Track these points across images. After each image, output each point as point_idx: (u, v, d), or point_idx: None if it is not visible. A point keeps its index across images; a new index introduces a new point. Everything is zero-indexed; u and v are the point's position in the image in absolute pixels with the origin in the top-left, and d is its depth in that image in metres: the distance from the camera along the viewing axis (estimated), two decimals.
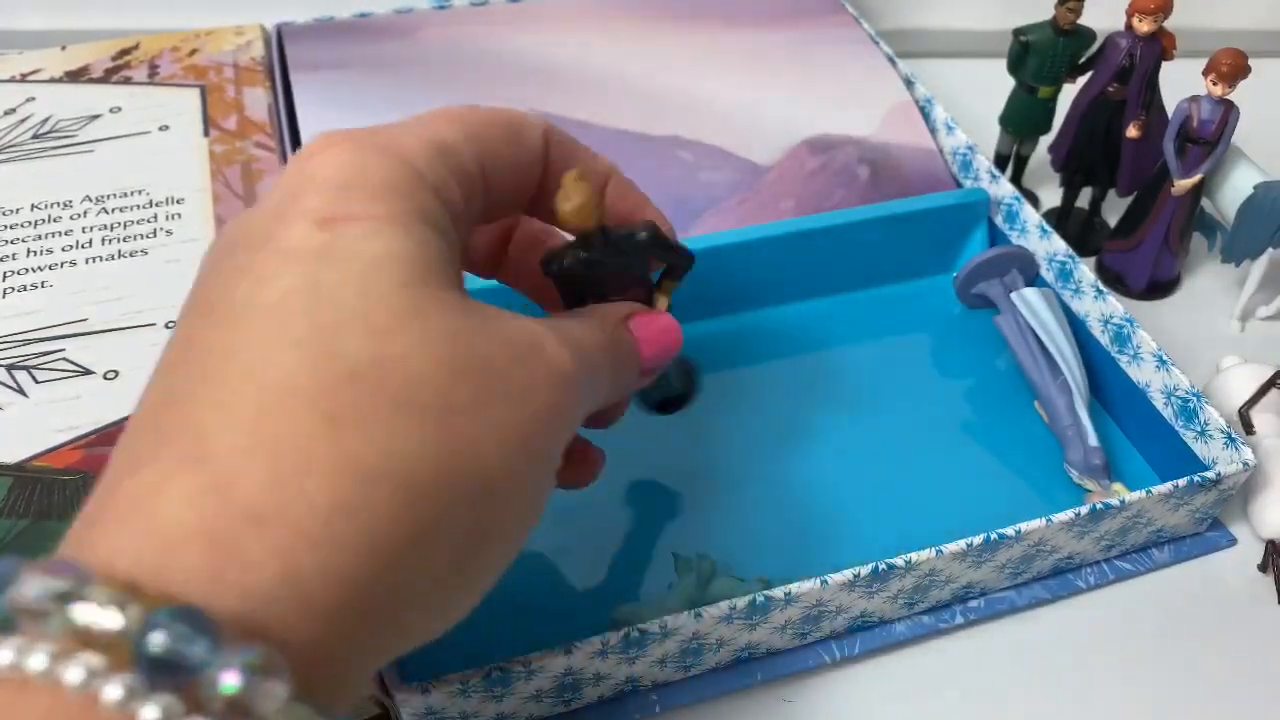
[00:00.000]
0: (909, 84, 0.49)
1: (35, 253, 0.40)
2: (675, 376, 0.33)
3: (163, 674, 0.16)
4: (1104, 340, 0.40)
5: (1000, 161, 0.50)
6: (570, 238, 0.28)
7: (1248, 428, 0.39)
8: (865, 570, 0.31)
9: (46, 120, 0.45)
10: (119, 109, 0.46)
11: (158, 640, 0.16)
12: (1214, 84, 0.41)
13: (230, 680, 0.16)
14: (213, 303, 0.21)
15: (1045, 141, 0.49)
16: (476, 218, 0.26)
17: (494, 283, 0.32)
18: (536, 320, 0.24)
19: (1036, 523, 0.32)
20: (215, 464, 0.18)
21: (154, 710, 0.16)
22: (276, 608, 0.18)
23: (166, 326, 0.37)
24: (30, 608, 0.16)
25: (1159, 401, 0.38)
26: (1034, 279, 0.43)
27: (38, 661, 0.16)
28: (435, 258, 0.22)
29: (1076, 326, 0.41)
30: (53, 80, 0.47)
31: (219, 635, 0.16)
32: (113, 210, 0.41)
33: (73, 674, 0.16)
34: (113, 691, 0.16)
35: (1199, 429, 0.37)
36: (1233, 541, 0.37)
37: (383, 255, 0.21)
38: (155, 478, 0.18)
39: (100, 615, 0.16)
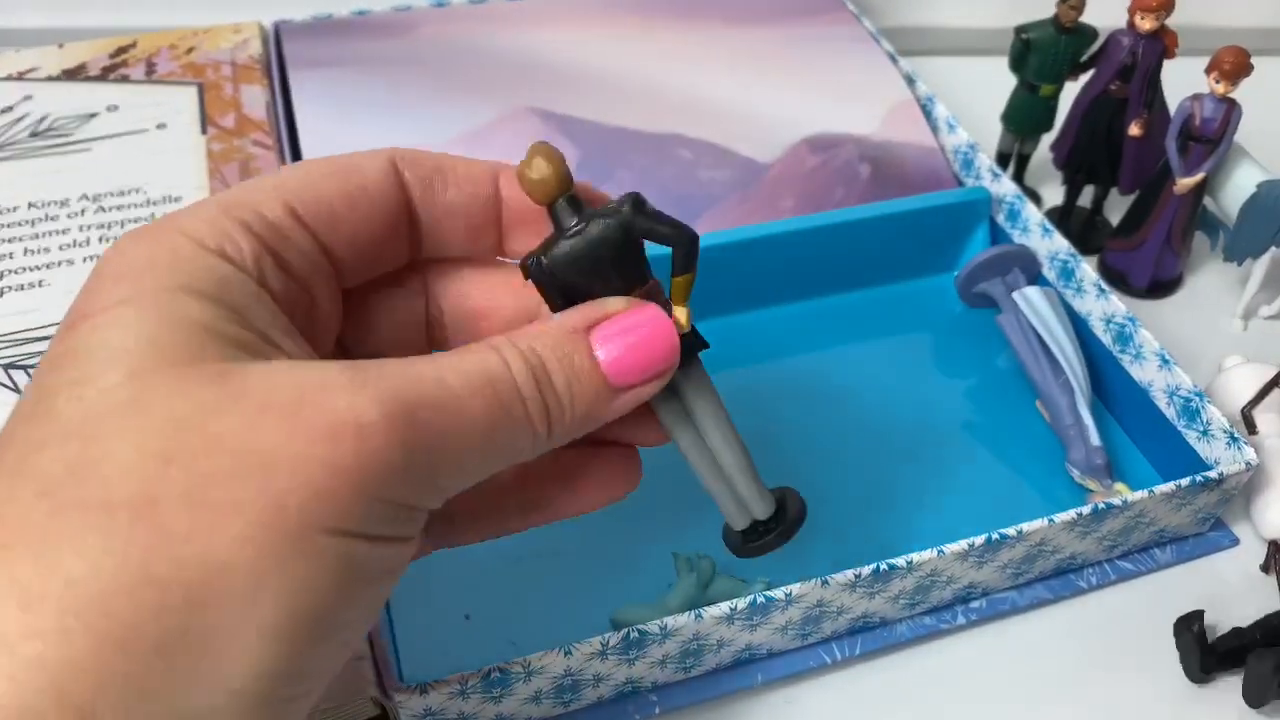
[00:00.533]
0: (910, 82, 0.49)
1: (32, 251, 0.39)
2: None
3: None
4: (1106, 339, 0.40)
5: (1002, 160, 0.50)
6: None
7: (1250, 427, 0.39)
8: (866, 571, 0.31)
9: (44, 119, 0.45)
10: (116, 107, 0.46)
11: None
12: (1216, 82, 0.41)
13: None
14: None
15: (1047, 140, 0.49)
16: (326, 267, 0.24)
17: None
18: (340, 366, 0.20)
19: (1038, 523, 0.32)
20: None
21: None
22: None
23: None
24: None
25: (1161, 401, 0.38)
26: (1036, 278, 0.43)
27: None
28: (194, 331, 0.20)
29: (1078, 325, 0.41)
30: (50, 78, 0.47)
31: None
32: (110, 209, 0.41)
33: None
34: None
35: (1201, 429, 0.36)
36: (1235, 541, 0.37)
37: (103, 350, 0.19)
38: None
39: None
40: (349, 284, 0.25)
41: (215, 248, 0.21)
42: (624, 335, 0.23)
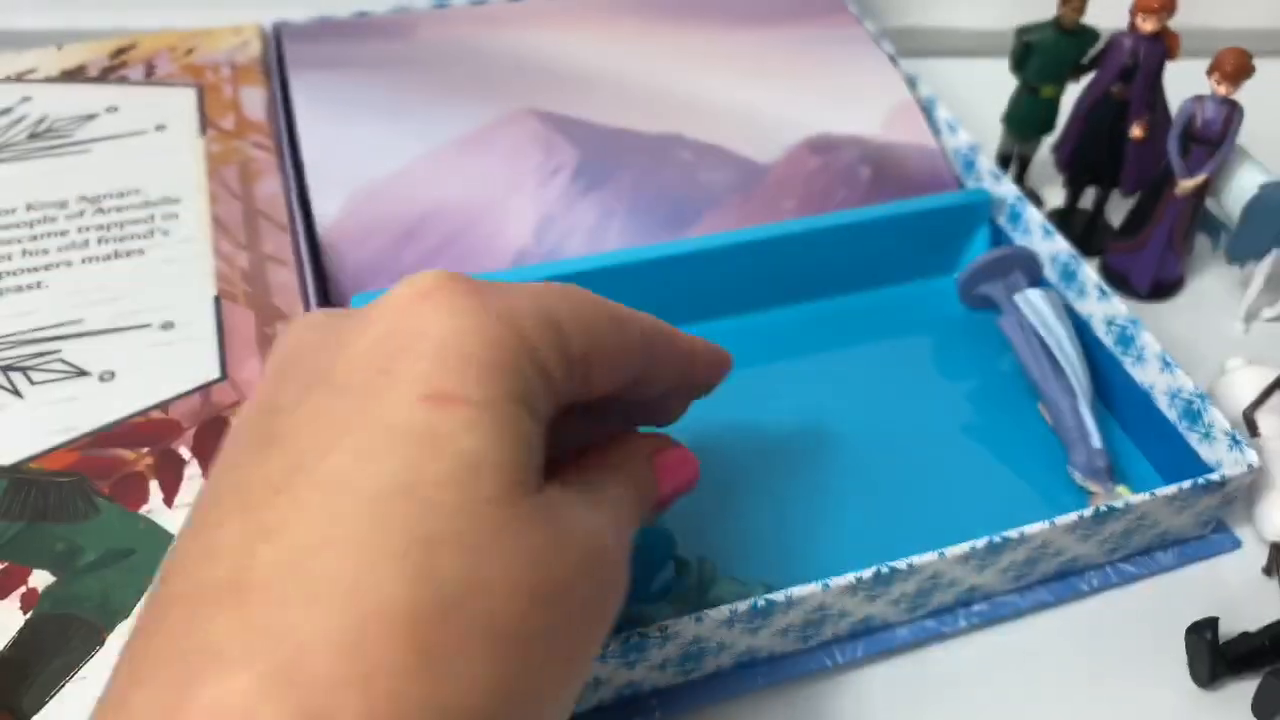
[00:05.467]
0: (911, 83, 0.49)
1: (31, 253, 0.39)
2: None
3: None
4: (1108, 341, 0.40)
5: (1003, 161, 0.50)
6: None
7: (1253, 430, 0.38)
8: (868, 574, 0.31)
9: (42, 120, 0.45)
10: (115, 108, 0.45)
11: None
12: (1218, 84, 0.40)
13: None
14: (287, 450, 0.19)
15: (1048, 141, 0.49)
16: (565, 403, 0.24)
17: None
18: (597, 508, 0.23)
19: (1040, 525, 0.32)
20: (308, 689, 0.17)
21: None
22: None
23: (162, 327, 0.37)
24: None
25: (1163, 403, 0.38)
26: (1037, 280, 0.42)
27: None
28: (525, 456, 0.21)
29: (1080, 327, 0.41)
30: (48, 80, 0.47)
31: None
32: (109, 210, 0.41)
33: None
34: None
35: (1203, 431, 0.36)
36: (1237, 544, 0.37)
37: (481, 457, 0.20)
38: (238, 685, 0.17)
39: None
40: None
41: (542, 364, 0.22)
42: (669, 461, 0.29)
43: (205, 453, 0.34)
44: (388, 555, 0.18)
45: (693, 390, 0.30)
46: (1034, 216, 0.43)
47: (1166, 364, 0.38)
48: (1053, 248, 0.42)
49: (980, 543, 0.32)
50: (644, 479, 0.27)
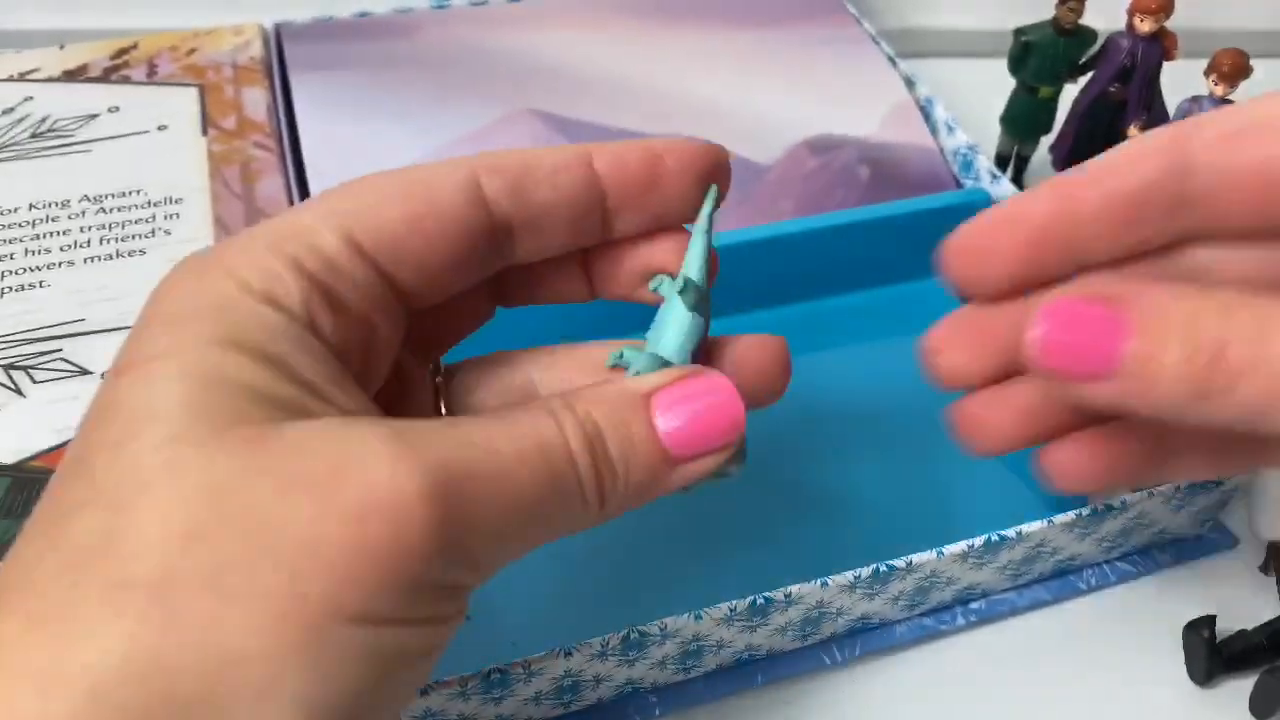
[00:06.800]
0: (910, 84, 0.49)
1: (33, 252, 0.40)
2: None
3: None
4: None
5: (1001, 162, 0.50)
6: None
7: None
8: (866, 572, 0.31)
9: (44, 120, 0.45)
10: (117, 108, 0.46)
11: None
12: (1215, 84, 0.41)
13: None
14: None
15: (1046, 142, 0.49)
16: (388, 298, 0.22)
17: None
18: (385, 430, 0.19)
19: (1038, 524, 0.32)
20: None
21: None
22: None
23: None
24: None
25: None
26: None
27: None
28: (235, 390, 0.19)
29: None
30: (51, 79, 0.47)
31: None
32: (111, 210, 0.41)
33: None
34: None
35: None
36: (1234, 543, 0.37)
37: (143, 409, 0.18)
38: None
39: None
40: (424, 305, 0.23)
41: (262, 292, 0.20)
42: (687, 403, 0.22)
43: None
44: (32, 533, 0.19)
45: (676, 203, 0.24)
46: None
47: None
48: None
49: (978, 541, 0.32)
50: (607, 420, 0.21)
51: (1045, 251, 0.24)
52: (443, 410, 0.26)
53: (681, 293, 0.24)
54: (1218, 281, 0.24)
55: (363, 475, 0.18)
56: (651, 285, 0.25)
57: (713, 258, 0.25)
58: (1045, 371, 0.21)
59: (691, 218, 0.25)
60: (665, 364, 0.24)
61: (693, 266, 0.24)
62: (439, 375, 0.26)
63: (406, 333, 0.24)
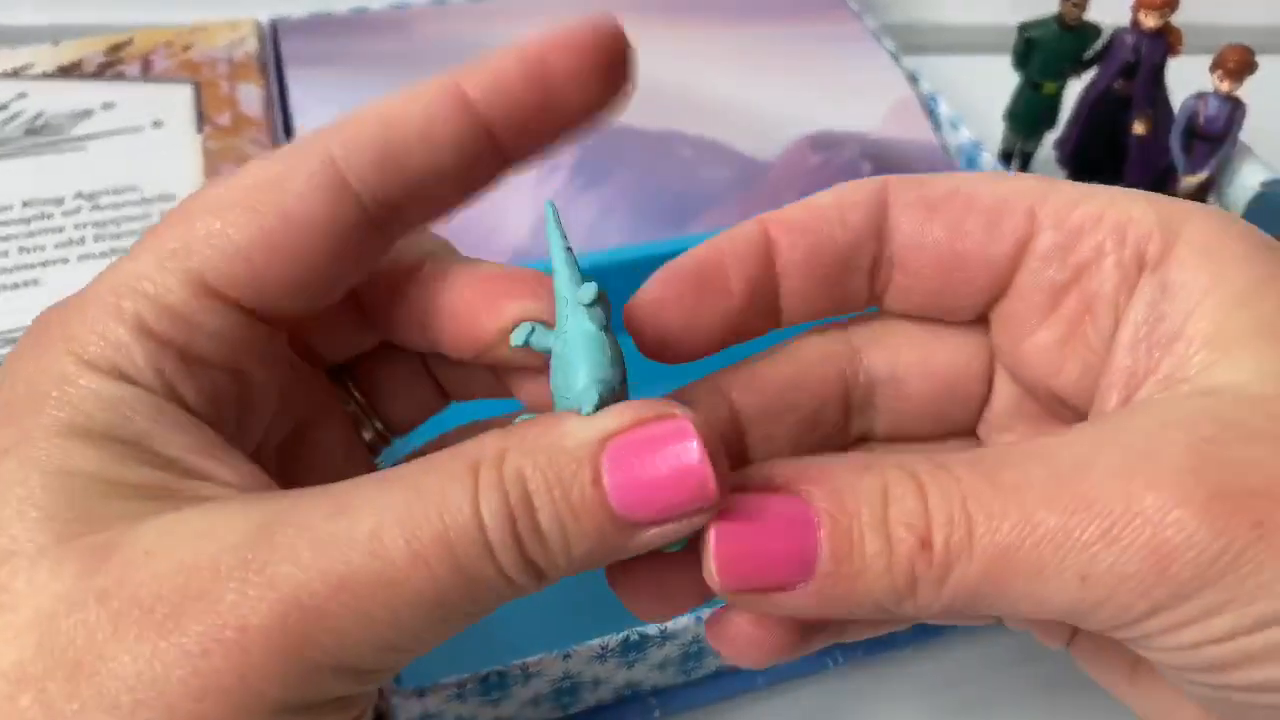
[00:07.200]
0: (912, 80, 0.49)
1: (27, 250, 0.39)
2: None
3: None
4: None
5: (1005, 158, 0.50)
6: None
7: None
8: None
9: (38, 116, 0.45)
10: (112, 105, 0.45)
11: None
12: (1220, 80, 0.40)
13: None
14: None
15: (1051, 138, 0.49)
16: (256, 334, 0.19)
17: None
18: (240, 539, 0.16)
19: None
20: None
21: None
22: None
23: None
24: None
25: None
26: None
27: None
28: (82, 487, 0.17)
29: None
30: (45, 76, 0.46)
31: None
32: (105, 207, 0.41)
33: None
34: None
35: None
36: None
37: None
38: None
39: None
40: (309, 319, 0.20)
41: (107, 366, 0.18)
42: (640, 454, 0.17)
43: None
44: None
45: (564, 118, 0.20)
46: None
47: None
48: None
49: None
50: (550, 481, 0.17)
51: (746, 315, 0.21)
52: (366, 437, 0.23)
53: (576, 317, 0.19)
54: (905, 393, 0.22)
55: (207, 604, 0.16)
56: (515, 340, 0.20)
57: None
58: (730, 593, 0.18)
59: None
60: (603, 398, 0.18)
61: (569, 285, 0.19)
62: (358, 401, 0.23)
63: (306, 353, 0.22)
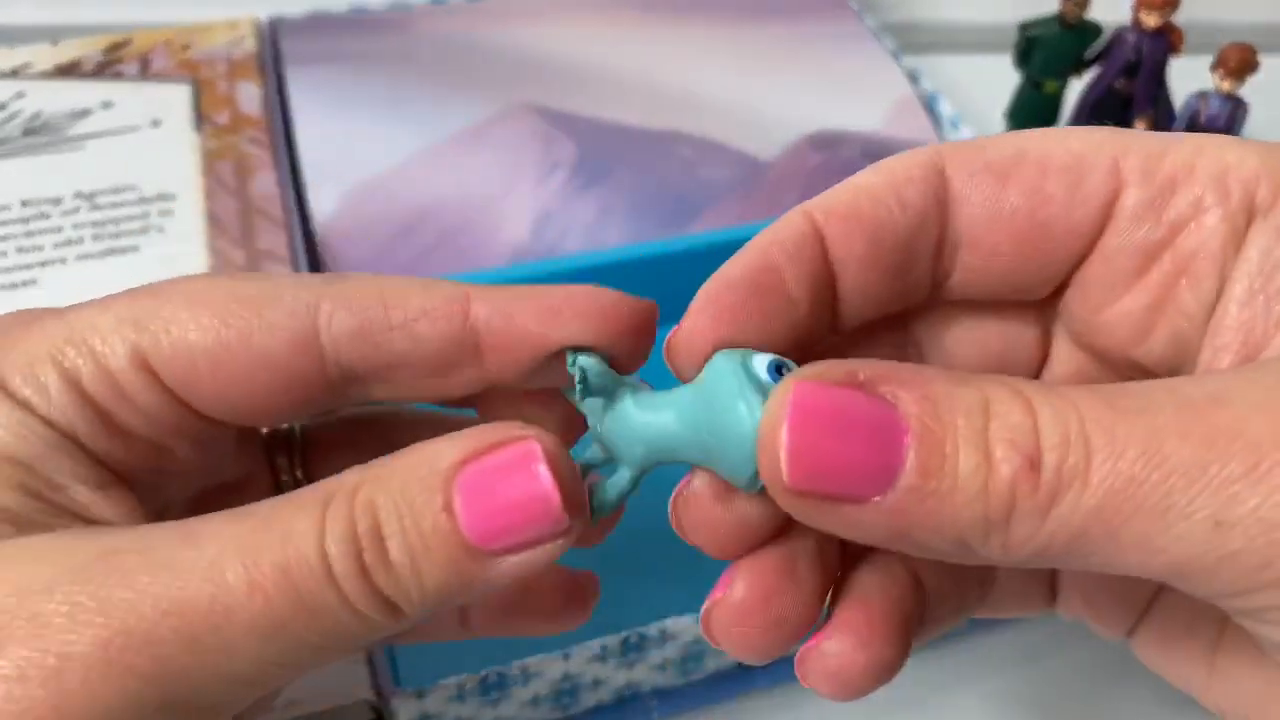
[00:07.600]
0: (913, 79, 0.49)
1: (25, 250, 0.39)
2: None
3: None
4: None
5: None
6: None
7: None
8: None
9: (36, 115, 0.44)
10: (110, 104, 0.45)
11: None
12: (1222, 79, 0.40)
13: None
14: None
15: None
16: (186, 424, 0.19)
17: None
18: (77, 568, 0.16)
19: None
20: None
21: None
22: None
23: None
24: None
25: None
26: None
27: None
28: None
29: None
30: (43, 75, 0.46)
31: None
32: (104, 207, 0.41)
33: None
34: None
35: None
36: None
37: None
38: None
39: None
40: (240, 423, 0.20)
41: (22, 399, 0.18)
42: (489, 480, 0.17)
43: None
44: None
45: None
46: None
47: None
48: None
49: None
50: (400, 510, 0.17)
51: (809, 321, 0.19)
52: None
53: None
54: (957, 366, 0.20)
55: (35, 628, 0.15)
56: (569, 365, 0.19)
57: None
58: (793, 493, 0.16)
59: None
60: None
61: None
62: (287, 452, 0.23)
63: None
